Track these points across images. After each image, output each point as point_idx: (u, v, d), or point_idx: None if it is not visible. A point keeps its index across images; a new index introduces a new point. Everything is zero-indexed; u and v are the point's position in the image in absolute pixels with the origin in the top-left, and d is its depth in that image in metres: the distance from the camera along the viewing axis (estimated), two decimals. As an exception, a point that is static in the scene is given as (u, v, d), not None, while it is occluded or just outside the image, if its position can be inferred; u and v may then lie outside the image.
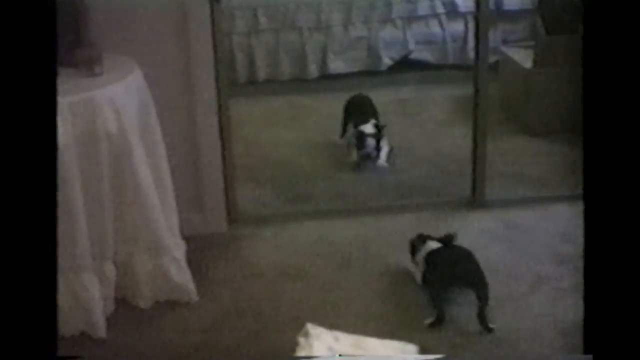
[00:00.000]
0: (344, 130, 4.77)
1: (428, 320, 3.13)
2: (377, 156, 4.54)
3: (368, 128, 4.56)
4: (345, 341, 2.82)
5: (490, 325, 3.09)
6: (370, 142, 4.52)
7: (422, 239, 3.42)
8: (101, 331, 3.12)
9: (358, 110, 4.75)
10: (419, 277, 3.36)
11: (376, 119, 4.67)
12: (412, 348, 2.85)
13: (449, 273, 3.21)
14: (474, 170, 4.05)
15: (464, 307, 3.19)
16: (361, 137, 4.54)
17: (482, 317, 3.09)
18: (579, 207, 3.88)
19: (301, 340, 2.75)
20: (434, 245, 3.36)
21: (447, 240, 3.37)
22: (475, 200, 4.05)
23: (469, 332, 3.10)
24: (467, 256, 3.26)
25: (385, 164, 4.54)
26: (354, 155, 4.57)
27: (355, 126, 4.63)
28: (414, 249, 3.42)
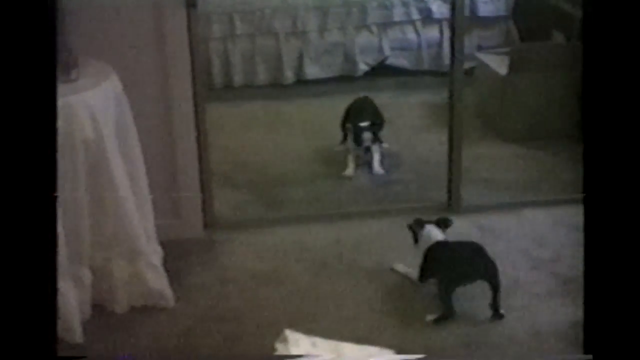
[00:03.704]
0: (345, 135, 4.69)
1: (431, 317, 3.18)
2: (371, 164, 4.54)
3: (365, 123, 4.56)
4: (323, 347, 2.83)
5: (501, 311, 3.20)
6: (367, 135, 4.52)
7: (420, 223, 3.44)
8: (77, 336, 3.10)
9: (357, 111, 4.70)
10: (414, 274, 3.38)
11: (375, 119, 4.66)
12: (388, 352, 2.86)
13: (466, 269, 3.25)
14: (449, 175, 4.07)
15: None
16: (358, 131, 4.53)
17: (496, 305, 3.20)
18: (554, 212, 3.99)
19: (279, 346, 2.75)
20: (432, 234, 3.38)
21: (443, 223, 3.43)
22: (451, 205, 4.06)
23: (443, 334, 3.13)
24: (478, 250, 3.28)
25: (381, 171, 4.55)
26: (350, 169, 4.56)
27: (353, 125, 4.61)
28: (415, 234, 3.44)
